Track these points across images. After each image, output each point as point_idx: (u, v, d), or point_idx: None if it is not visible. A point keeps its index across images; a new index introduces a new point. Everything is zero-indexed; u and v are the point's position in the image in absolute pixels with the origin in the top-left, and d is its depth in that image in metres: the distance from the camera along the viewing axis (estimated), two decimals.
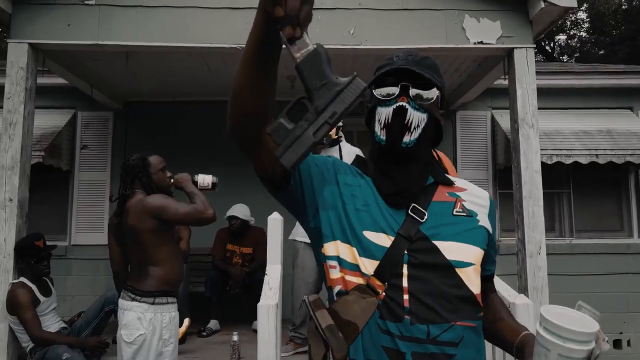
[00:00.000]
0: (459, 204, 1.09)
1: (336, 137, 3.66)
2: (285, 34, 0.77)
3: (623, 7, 14.52)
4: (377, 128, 1.07)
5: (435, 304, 0.97)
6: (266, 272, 2.93)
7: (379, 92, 1.07)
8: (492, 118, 5.50)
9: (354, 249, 1.02)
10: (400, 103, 1.04)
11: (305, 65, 0.79)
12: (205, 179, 2.59)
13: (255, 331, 2.67)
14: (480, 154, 5.49)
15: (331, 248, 1.05)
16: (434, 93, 1.07)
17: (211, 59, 4.19)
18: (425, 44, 3.72)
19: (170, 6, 3.66)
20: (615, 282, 5.17)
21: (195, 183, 2.57)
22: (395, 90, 1.05)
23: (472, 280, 1.02)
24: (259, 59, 0.88)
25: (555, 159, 4.81)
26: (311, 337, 1.02)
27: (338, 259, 1.03)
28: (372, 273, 1.00)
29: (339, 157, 3.56)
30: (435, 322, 0.97)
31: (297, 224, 3.57)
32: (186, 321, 3.85)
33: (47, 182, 5.20)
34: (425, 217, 1.04)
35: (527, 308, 2.52)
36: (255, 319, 2.59)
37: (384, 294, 0.99)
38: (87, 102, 5.19)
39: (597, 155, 4.87)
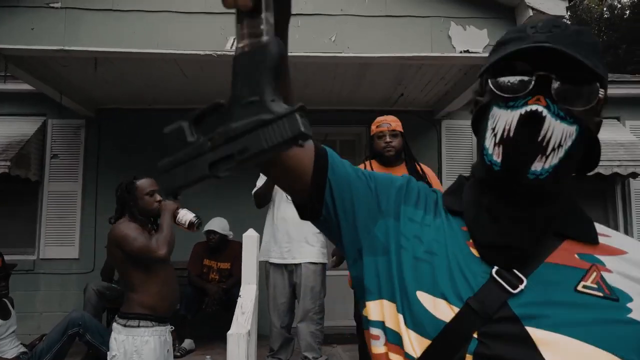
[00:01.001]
0: (593, 274, 0.66)
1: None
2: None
3: (605, 15, 14.67)
4: (489, 143, 0.68)
5: None
6: (240, 294, 2.74)
7: (499, 82, 0.67)
8: None
9: (400, 316, 0.69)
10: (534, 106, 0.64)
11: (245, 61, 0.54)
12: (184, 217, 2.44)
13: None
14: (466, 164, 5.37)
15: (375, 310, 0.72)
16: (594, 92, 0.66)
17: (186, 65, 3.99)
18: (409, 52, 3.59)
19: (143, 10, 3.47)
20: None
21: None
22: (527, 82, 0.65)
23: None
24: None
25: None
26: None
27: (383, 326, 0.70)
28: (418, 356, 0.66)
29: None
30: None
31: (264, 241, 3.39)
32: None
33: (14, 194, 4.97)
34: (523, 286, 0.65)
35: None
36: None
37: None
38: (57, 110, 4.95)
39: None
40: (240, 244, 4.10)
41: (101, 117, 5.19)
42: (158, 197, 2.64)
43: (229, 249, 4.34)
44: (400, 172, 2.97)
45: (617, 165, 4.82)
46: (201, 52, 3.49)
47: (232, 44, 3.48)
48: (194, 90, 4.58)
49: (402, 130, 2.96)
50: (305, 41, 3.49)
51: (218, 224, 4.28)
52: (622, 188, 5.35)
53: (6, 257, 3.28)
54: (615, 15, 14.59)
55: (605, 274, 0.65)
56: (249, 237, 2.91)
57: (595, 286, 0.64)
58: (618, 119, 5.47)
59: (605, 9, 15.76)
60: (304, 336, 3.24)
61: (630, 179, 5.23)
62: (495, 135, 0.66)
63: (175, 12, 3.49)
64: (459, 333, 0.64)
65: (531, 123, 0.63)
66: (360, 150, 5.43)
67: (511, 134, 0.65)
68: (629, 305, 0.63)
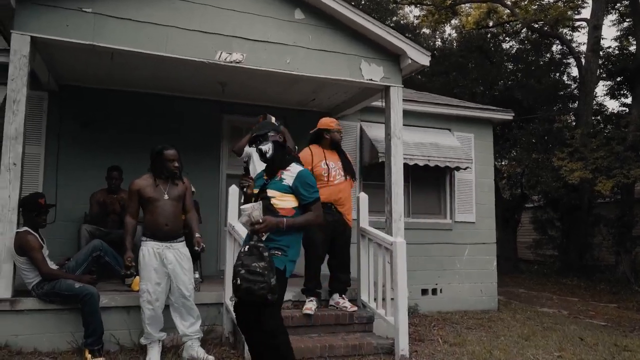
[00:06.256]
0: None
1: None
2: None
3: (437, 45, 18.34)
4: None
5: None
6: None
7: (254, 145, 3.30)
8: (361, 128, 7.46)
9: None
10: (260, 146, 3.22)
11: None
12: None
13: None
14: (351, 155, 7.36)
15: None
16: (267, 137, 3.19)
17: (179, 65, 5.25)
18: (336, 76, 5.42)
19: (155, 23, 4.72)
20: (434, 249, 7.54)
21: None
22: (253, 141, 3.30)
23: None
24: None
25: (403, 161, 6.92)
26: None
27: None
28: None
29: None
30: None
31: None
32: None
33: None
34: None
35: (403, 245, 4.38)
36: None
37: None
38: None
39: (429, 160, 7.14)
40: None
41: (65, 92, 6.07)
42: (176, 164, 4.12)
43: None
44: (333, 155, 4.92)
45: (449, 161, 7.29)
46: (196, 59, 4.87)
47: (220, 56, 4.94)
48: (163, 80, 5.85)
49: None
50: (268, 60, 5.10)
51: None
52: (450, 176, 7.91)
53: None
54: (446, 47, 18.35)
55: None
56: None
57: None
58: (449, 130, 8.00)
59: (438, 40, 19.58)
60: None
61: (455, 171, 7.79)
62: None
63: (180, 28, 4.80)
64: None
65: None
66: None
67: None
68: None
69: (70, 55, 5.10)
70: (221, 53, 4.94)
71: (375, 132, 7.12)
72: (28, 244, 4.07)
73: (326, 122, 5.04)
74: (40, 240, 4.20)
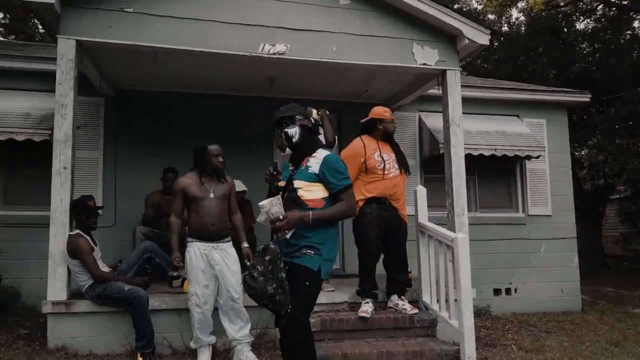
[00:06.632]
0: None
1: None
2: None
3: (504, 31, 17.32)
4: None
5: None
6: None
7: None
8: (420, 118, 7.03)
9: None
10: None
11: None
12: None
13: None
14: (410, 147, 6.99)
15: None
16: (294, 119, 2.79)
17: (221, 61, 5.13)
18: (386, 62, 5.07)
19: (196, 19, 4.62)
20: (506, 245, 6.96)
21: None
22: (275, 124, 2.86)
23: None
24: None
25: (466, 152, 6.42)
26: None
27: None
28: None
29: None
30: None
31: None
32: None
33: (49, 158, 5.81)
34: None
35: (465, 240, 3.96)
36: None
37: None
38: (79, 88, 5.87)
39: (495, 149, 6.58)
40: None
41: (120, 96, 6.17)
42: (221, 159, 3.95)
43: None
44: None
45: (518, 150, 6.70)
46: (239, 53, 4.72)
47: (263, 48, 4.75)
48: (211, 80, 5.77)
49: None
50: (313, 50, 4.85)
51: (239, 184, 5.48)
52: (521, 166, 7.28)
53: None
54: (513, 32, 17.25)
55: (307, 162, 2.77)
56: None
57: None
58: (518, 116, 7.38)
59: (505, 25, 18.49)
60: None
61: (526, 161, 7.16)
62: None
63: (222, 22, 4.67)
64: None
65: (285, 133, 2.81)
66: None
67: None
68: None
69: (116, 58, 5.12)
70: (264, 45, 4.75)
71: (435, 121, 6.67)
72: (79, 247, 4.07)
73: (379, 111, 4.69)
74: (91, 242, 4.19)
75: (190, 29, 4.61)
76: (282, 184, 2.79)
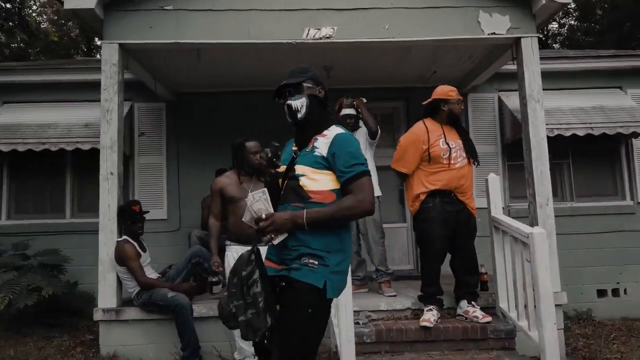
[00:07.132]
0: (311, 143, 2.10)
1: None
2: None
3: None
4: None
5: None
6: None
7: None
8: (499, 99, 6.25)
9: None
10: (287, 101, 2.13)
11: None
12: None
13: None
14: (489, 132, 6.25)
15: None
16: (301, 87, 2.13)
17: (264, 53, 4.88)
18: (447, 36, 4.47)
19: (236, 9, 4.38)
20: (611, 239, 5.96)
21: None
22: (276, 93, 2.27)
23: None
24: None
25: (556, 132, 5.56)
26: None
27: None
28: None
29: None
30: None
31: None
32: None
33: None
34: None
35: (542, 236, 3.29)
36: None
37: None
38: (142, 95, 5.93)
39: (592, 128, 5.64)
40: None
41: (179, 100, 6.15)
42: (259, 156, 3.61)
43: None
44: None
45: (621, 126, 5.68)
46: (283, 41, 4.40)
47: (307, 33, 4.39)
48: (263, 75, 5.52)
49: None
50: (363, 30, 4.39)
51: None
52: (626, 146, 6.21)
53: None
54: None
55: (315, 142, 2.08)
56: None
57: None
58: (620, 87, 6.30)
59: None
60: (376, 254, 4.25)
61: (632, 139, 6.09)
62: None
63: (262, 9, 4.39)
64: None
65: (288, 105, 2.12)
66: (398, 122, 6.34)
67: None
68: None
69: (162, 59, 5.03)
70: (309, 30, 4.39)
71: (518, 101, 5.86)
72: (125, 253, 3.99)
73: (444, 90, 4.09)
74: (138, 248, 4.11)
75: (230, 20, 4.38)
76: (282, 169, 2.12)
